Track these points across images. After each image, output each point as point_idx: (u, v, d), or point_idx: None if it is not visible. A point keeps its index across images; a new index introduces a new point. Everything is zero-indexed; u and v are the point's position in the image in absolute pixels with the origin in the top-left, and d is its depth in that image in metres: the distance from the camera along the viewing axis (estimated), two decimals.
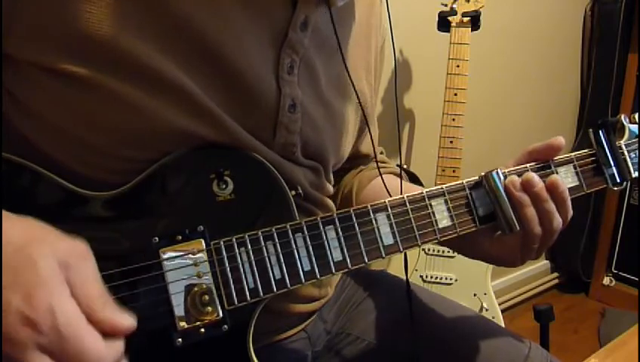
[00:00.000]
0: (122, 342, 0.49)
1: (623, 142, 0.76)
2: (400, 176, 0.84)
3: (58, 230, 0.49)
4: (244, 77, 0.62)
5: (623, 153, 0.76)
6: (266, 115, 0.65)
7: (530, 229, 0.67)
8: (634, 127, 0.77)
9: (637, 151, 0.76)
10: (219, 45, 0.60)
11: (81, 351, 0.44)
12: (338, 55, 0.73)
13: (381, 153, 0.98)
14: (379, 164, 0.92)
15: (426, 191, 0.67)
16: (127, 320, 0.48)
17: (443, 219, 0.67)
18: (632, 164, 0.76)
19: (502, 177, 0.68)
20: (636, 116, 0.77)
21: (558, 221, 0.68)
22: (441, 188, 0.68)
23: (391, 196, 0.67)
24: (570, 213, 0.69)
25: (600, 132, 0.75)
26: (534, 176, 0.67)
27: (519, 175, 0.69)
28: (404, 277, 0.79)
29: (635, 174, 0.76)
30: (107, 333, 0.47)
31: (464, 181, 0.69)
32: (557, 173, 0.72)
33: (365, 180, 0.89)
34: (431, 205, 0.67)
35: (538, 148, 0.72)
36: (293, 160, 0.69)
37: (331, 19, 0.67)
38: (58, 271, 0.46)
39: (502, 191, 0.68)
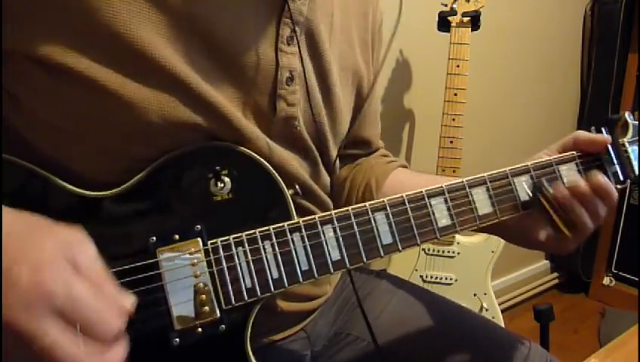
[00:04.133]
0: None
1: (626, 140, 0.75)
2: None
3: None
4: (239, 53, 0.62)
5: (626, 150, 0.75)
6: (265, 89, 0.65)
7: (583, 227, 0.69)
8: (638, 124, 0.76)
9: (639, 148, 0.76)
10: (213, 22, 0.59)
11: (96, 315, 0.46)
12: (335, 26, 0.72)
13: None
14: (386, 158, 0.92)
15: (426, 190, 0.67)
16: (128, 300, 0.50)
17: (442, 218, 0.67)
18: (635, 161, 0.75)
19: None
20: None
21: (603, 210, 0.70)
22: (441, 187, 0.68)
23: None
24: (616, 196, 0.71)
25: (603, 129, 0.75)
26: (578, 179, 0.69)
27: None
28: (405, 277, 0.79)
29: (637, 172, 0.75)
30: None
31: (464, 179, 0.69)
32: (559, 171, 0.72)
33: (382, 177, 0.88)
34: (430, 204, 0.66)
35: (581, 142, 0.74)
36: (294, 143, 0.69)
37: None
38: (61, 252, 0.47)
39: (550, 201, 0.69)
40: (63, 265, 0.47)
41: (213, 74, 0.60)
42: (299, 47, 0.67)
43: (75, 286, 0.46)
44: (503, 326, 1.47)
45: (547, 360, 0.82)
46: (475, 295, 1.67)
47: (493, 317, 1.63)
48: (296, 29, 0.66)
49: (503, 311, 1.79)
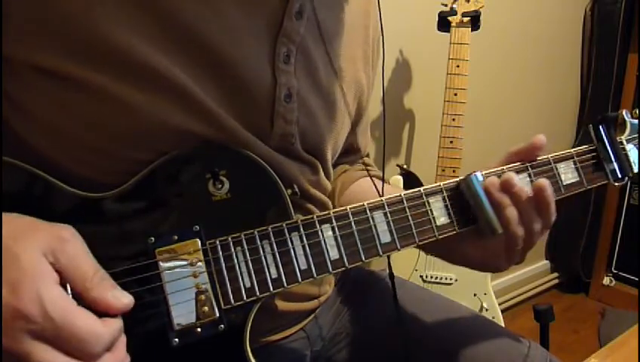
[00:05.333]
0: (119, 320, 0.49)
1: (624, 138, 0.75)
2: (382, 180, 0.84)
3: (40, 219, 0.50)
4: (238, 69, 0.62)
5: (624, 148, 0.75)
6: (263, 106, 0.65)
7: (512, 230, 0.66)
8: (635, 122, 0.76)
9: (638, 146, 0.76)
10: (212, 38, 0.60)
11: (76, 333, 0.45)
12: (335, 44, 0.72)
13: (367, 156, 0.97)
14: (360, 165, 0.92)
15: (424, 189, 0.67)
16: (121, 299, 0.50)
17: (441, 217, 0.67)
18: (633, 159, 0.75)
19: (481, 179, 0.67)
20: (637, 111, 0.77)
21: (538, 223, 0.67)
22: (439, 186, 0.68)
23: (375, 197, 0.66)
24: (554, 216, 0.68)
25: (600, 127, 0.75)
26: (513, 177, 0.66)
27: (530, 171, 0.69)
28: (405, 277, 0.79)
29: (636, 169, 0.75)
30: (102, 312, 0.48)
31: (458, 179, 0.69)
32: (556, 168, 0.72)
33: (348, 182, 0.88)
34: (429, 203, 0.66)
35: (521, 149, 0.71)
36: (292, 154, 0.69)
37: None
38: (41, 260, 0.46)
39: (481, 193, 0.66)
40: (42, 276, 0.46)
41: (211, 86, 0.61)
42: (295, 65, 0.67)
43: (54, 305, 0.45)
44: (503, 326, 1.47)
45: (547, 360, 0.82)
46: (475, 295, 1.67)
47: (493, 317, 1.63)
48: (293, 47, 0.66)
49: (503, 311, 1.79)
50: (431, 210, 0.66)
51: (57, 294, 0.46)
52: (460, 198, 0.68)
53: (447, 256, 0.76)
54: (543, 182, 0.66)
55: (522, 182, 0.67)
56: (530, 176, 0.71)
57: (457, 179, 0.68)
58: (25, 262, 0.45)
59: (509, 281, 2.49)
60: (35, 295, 0.44)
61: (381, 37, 0.84)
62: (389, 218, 0.64)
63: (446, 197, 0.67)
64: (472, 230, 0.68)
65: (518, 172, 0.70)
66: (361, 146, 0.91)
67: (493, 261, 0.71)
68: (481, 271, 0.76)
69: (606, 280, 2.55)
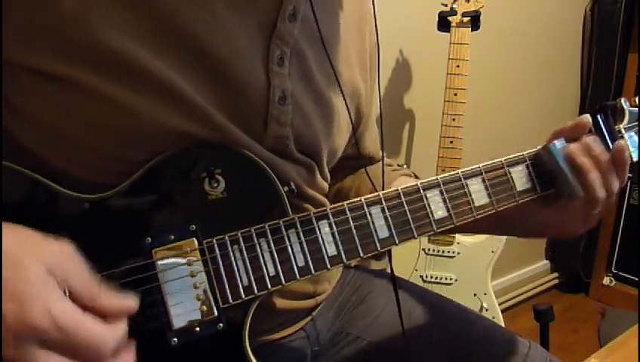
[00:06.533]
0: (124, 323, 0.51)
1: (622, 126, 0.75)
2: (382, 176, 0.84)
3: (43, 233, 0.50)
4: (232, 71, 0.62)
5: (622, 137, 0.75)
6: (257, 108, 0.65)
7: (594, 193, 0.69)
8: (634, 110, 0.76)
9: (637, 135, 0.76)
10: (206, 40, 0.60)
11: (87, 340, 0.46)
12: (331, 47, 0.72)
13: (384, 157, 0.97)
14: (389, 166, 0.91)
15: (421, 183, 0.67)
16: (126, 302, 0.51)
17: (439, 210, 0.67)
18: (632, 147, 0.75)
19: (559, 146, 0.70)
20: (637, 99, 0.77)
21: (617, 183, 0.71)
22: (436, 179, 0.68)
23: None
24: (628, 174, 0.72)
25: (598, 116, 0.74)
26: (591, 141, 0.70)
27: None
28: (405, 277, 0.79)
29: (635, 158, 0.75)
30: (110, 317, 0.50)
31: (459, 171, 0.70)
32: None
33: (385, 185, 0.88)
34: (426, 196, 0.66)
35: (566, 127, 0.73)
36: (286, 155, 0.69)
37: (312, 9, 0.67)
38: (47, 275, 0.47)
39: (563, 158, 0.70)
40: (48, 290, 0.46)
41: (206, 88, 0.61)
42: (289, 68, 0.67)
43: (64, 316, 0.46)
44: (503, 326, 1.47)
45: (547, 360, 0.82)
46: (475, 295, 1.67)
47: (493, 317, 1.63)
48: (286, 50, 0.66)
49: (503, 311, 1.79)
50: (428, 203, 0.66)
51: (66, 306, 0.47)
52: (462, 189, 0.69)
53: (518, 229, 0.79)
54: (623, 143, 0.70)
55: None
56: (527, 167, 0.72)
57: (529, 151, 0.72)
58: (32, 276, 0.46)
59: (509, 281, 2.49)
60: (44, 308, 0.45)
61: (377, 44, 0.85)
62: (387, 213, 0.64)
63: (443, 191, 0.68)
64: (551, 197, 0.73)
65: (515, 163, 0.72)
66: (366, 151, 0.91)
67: (573, 225, 0.75)
68: (556, 237, 0.80)
69: (606, 280, 2.55)
